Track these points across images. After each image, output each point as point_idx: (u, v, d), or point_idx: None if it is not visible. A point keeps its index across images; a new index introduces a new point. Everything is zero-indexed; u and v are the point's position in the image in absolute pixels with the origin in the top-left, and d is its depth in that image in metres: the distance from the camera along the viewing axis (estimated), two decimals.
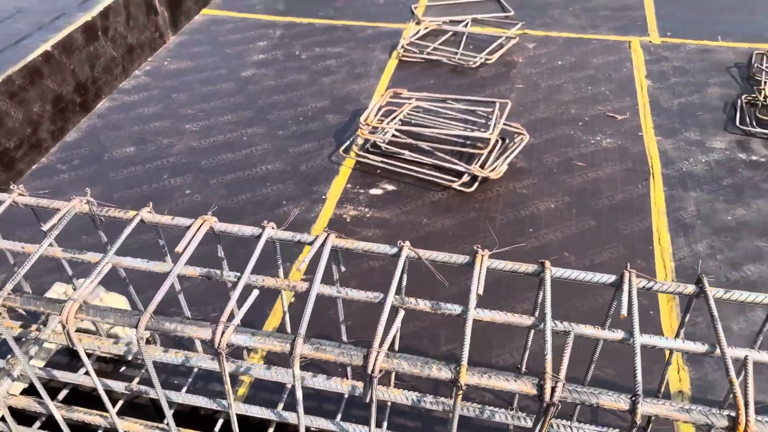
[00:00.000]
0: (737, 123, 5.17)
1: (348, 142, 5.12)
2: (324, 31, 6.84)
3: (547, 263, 2.24)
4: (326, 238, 2.29)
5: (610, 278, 2.16)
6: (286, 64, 6.27)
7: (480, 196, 4.64)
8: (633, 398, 1.82)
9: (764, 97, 5.30)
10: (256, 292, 2.07)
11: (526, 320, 2.06)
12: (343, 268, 2.47)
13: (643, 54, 6.15)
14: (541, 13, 6.97)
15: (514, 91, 5.73)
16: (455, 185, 4.68)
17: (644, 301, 3.74)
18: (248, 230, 2.36)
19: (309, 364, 2.08)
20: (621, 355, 2.96)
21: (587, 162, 4.90)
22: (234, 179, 4.85)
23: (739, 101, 5.38)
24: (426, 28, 6.63)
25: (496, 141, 4.91)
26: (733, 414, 1.79)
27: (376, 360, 1.92)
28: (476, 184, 4.67)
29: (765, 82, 5.47)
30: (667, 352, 2.67)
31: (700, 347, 1.96)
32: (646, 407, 1.80)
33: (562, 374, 1.88)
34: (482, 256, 2.27)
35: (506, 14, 6.88)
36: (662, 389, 2.54)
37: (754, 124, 5.15)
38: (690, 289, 2.12)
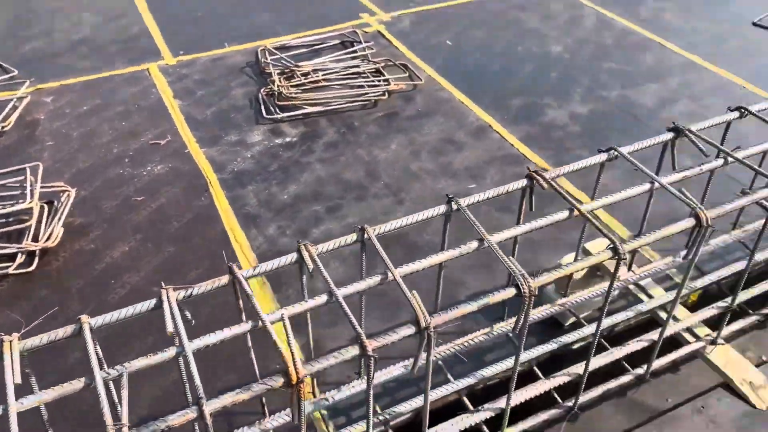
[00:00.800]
0: (264, 114, 5.76)
1: None
2: None
3: (84, 317, 2.11)
4: None
5: (151, 303, 2.16)
6: None
7: (46, 270, 4.21)
8: (198, 403, 1.87)
9: (277, 87, 6.00)
10: None
11: (78, 384, 1.92)
12: None
13: (163, 77, 6.32)
14: (48, 65, 6.54)
15: (46, 150, 5.30)
16: (12, 270, 4.13)
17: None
18: None
19: None
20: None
21: (146, 194, 4.86)
22: None
23: (260, 95, 5.99)
24: None
25: (42, 207, 4.48)
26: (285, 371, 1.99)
27: None
28: (36, 260, 4.21)
29: (273, 73, 6.19)
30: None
31: (245, 327, 2.11)
32: (211, 405, 1.86)
33: (125, 418, 1.82)
34: (9, 342, 2.02)
35: (10, 75, 6.26)
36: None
37: (278, 111, 5.80)
38: (224, 279, 2.27)
